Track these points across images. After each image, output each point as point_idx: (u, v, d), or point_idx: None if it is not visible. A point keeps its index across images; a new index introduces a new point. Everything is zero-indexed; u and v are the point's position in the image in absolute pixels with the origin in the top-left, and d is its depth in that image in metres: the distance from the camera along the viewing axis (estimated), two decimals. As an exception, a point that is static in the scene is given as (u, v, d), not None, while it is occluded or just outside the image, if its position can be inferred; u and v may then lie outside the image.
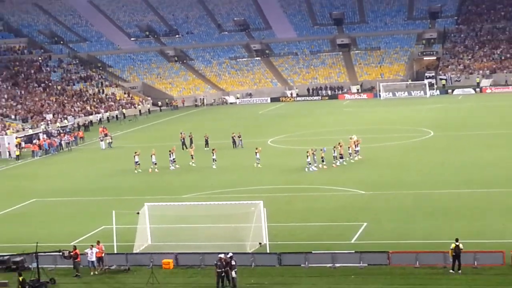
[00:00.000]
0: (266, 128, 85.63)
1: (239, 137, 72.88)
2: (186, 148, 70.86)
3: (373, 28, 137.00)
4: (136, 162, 63.73)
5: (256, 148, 64.00)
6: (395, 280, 34.57)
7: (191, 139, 73.04)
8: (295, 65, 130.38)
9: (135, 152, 64.76)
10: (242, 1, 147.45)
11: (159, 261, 38.07)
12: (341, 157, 61.34)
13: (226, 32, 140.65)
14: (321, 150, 60.23)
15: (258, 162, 62.22)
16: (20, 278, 34.87)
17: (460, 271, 34.58)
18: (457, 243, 34.75)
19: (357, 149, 63.27)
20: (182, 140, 73.55)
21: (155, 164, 63.52)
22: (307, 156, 59.57)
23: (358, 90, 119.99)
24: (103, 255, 38.53)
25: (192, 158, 65.06)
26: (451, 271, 34.76)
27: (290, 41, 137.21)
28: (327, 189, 52.77)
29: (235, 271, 34.76)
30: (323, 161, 59.87)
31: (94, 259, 38.22)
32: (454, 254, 34.71)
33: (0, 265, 39.39)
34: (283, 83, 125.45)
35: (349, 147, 63.17)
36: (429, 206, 46.14)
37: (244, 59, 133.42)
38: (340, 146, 61.84)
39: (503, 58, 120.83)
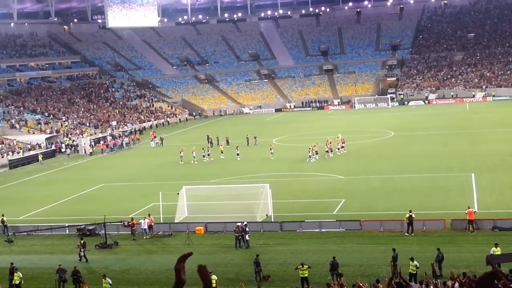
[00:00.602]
0: (272, 131, 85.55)
1: (254, 137, 72.00)
2: (212, 146, 70.70)
3: (350, 57, 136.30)
4: (181, 156, 63.85)
5: (271, 145, 64.16)
6: (365, 241, 34.58)
7: (217, 139, 73.01)
8: (293, 85, 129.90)
9: (181, 149, 64.93)
10: (254, 39, 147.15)
11: (193, 228, 38.22)
12: (331, 150, 61.44)
13: (243, 62, 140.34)
14: (315, 145, 60.20)
15: (272, 155, 62.21)
16: (82, 241, 35.10)
17: (413, 234, 34.55)
18: (410, 213, 34.71)
19: (343, 145, 63.25)
20: (210, 140, 73.47)
21: (194, 157, 63.64)
22: (308, 151, 59.53)
23: (339, 102, 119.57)
24: (152, 224, 38.70)
25: (222, 152, 65.14)
26: (406, 234, 34.70)
27: (289, 68, 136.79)
28: (317, 174, 52.75)
29: (248, 235, 34.87)
30: (317, 153, 59.91)
31: (146, 227, 38.42)
32: (408, 221, 34.68)
33: (78, 231, 39.70)
34: (284, 98, 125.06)
35: (338, 143, 63.30)
36: (390, 187, 46.09)
37: (255, 81, 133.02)
38: (330, 143, 61.91)
39: (445, 78, 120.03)
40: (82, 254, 34.39)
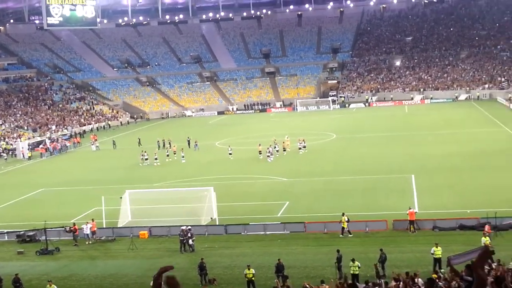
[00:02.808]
0: (214, 134, 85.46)
1: (195, 143, 70.44)
2: (159, 149, 70.17)
3: (291, 60, 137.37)
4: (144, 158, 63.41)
5: (229, 146, 64.60)
6: (309, 242, 34.94)
7: (169, 141, 72.07)
8: (235, 88, 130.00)
9: (143, 151, 64.73)
10: (196, 41, 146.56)
11: (137, 233, 37.85)
12: (277, 151, 62.35)
13: (184, 64, 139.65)
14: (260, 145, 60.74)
15: (230, 155, 62.55)
16: None
17: (351, 235, 35.11)
18: (343, 216, 35.46)
19: (304, 144, 64.08)
20: (158, 143, 72.86)
21: (147, 159, 63.23)
22: (267, 149, 60.44)
23: (281, 105, 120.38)
24: (95, 229, 38.15)
25: (174, 154, 65.26)
26: (341, 236, 35.23)
27: (231, 70, 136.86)
28: (260, 177, 52.90)
29: (192, 239, 34.75)
30: (260, 153, 60.55)
31: (88, 232, 37.82)
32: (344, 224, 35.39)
33: (17, 238, 38.82)
34: (227, 101, 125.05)
35: (298, 143, 64.26)
36: (333, 188, 46.68)
37: (197, 84, 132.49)
38: (277, 144, 63.03)
39: (384, 81, 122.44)
40: None
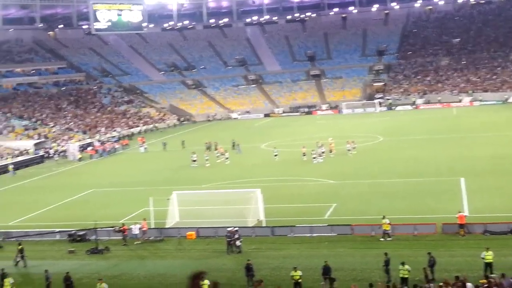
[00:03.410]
0: (260, 136, 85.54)
1: (238, 145, 71.43)
2: (208, 150, 70.35)
3: (337, 62, 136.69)
4: (193, 159, 64.04)
5: (275, 148, 64.96)
6: (357, 245, 34.57)
7: (216, 144, 72.10)
8: (280, 90, 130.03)
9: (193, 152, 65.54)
10: (241, 44, 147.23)
11: (184, 233, 38.09)
12: (322, 153, 62.30)
13: (230, 67, 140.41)
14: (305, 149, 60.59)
15: (276, 157, 62.89)
16: (19, 247, 35.13)
17: (390, 238, 34.57)
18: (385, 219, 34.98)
19: (354, 146, 64.16)
20: (208, 145, 72.88)
21: (195, 161, 63.86)
22: (312, 152, 60.58)
23: (327, 107, 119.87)
24: (146, 228, 38.58)
25: (222, 155, 65.67)
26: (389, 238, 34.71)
27: (277, 73, 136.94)
28: (307, 179, 52.68)
29: (239, 240, 34.76)
30: (304, 155, 60.71)
31: (137, 232, 38.25)
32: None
33: (68, 237, 39.48)
34: (272, 103, 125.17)
35: (347, 145, 64.15)
36: (381, 191, 46.16)
37: (243, 86, 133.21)
38: (322, 146, 62.70)
39: (431, 83, 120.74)
40: (18, 259, 34.76)
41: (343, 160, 61.12)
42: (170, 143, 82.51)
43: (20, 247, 35.11)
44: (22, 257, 34.89)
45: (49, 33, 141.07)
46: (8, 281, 29.95)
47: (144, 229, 38.30)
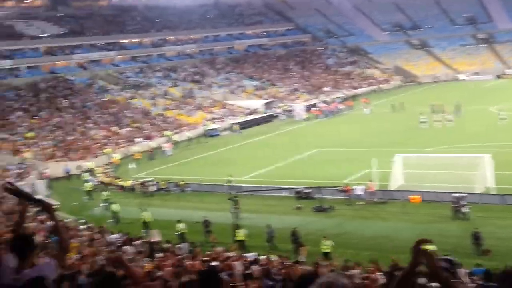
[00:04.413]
0: (488, 98, 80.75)
1: (459, 106, 68.80)
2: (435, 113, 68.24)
3: None
4: (422, 121, 63.77)
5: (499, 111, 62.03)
6: None
7: (443, 106, 69.65)
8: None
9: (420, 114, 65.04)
10: (470, 0, 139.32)
11: (407, 197, 37.84)
12: None
13: (458, 26, 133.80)
14: None
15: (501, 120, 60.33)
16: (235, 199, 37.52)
17: None
18: None
19: None
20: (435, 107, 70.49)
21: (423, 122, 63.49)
22: None
23: None
24: (374, 189, 39.03)
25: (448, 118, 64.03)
26: None
27: (509, 31, 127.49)
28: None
29: (467, 207, 33.76)
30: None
31: (361, 193, 38.83)
32: None
33: (295, 194, 41.28)
34: (504, 64, 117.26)
35: None
36: None
37: (472, 46, 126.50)
38: None
39: None
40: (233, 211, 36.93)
41: None
42: (390, 105, 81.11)
43: (236, 199, 37.61)
44: (236, 209, 37.24)
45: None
46: (242, 232, 32.36)
47: (371, 190, 38.72)
